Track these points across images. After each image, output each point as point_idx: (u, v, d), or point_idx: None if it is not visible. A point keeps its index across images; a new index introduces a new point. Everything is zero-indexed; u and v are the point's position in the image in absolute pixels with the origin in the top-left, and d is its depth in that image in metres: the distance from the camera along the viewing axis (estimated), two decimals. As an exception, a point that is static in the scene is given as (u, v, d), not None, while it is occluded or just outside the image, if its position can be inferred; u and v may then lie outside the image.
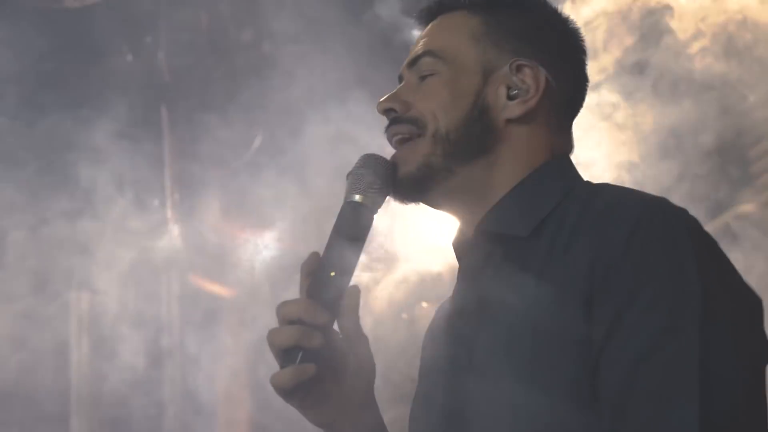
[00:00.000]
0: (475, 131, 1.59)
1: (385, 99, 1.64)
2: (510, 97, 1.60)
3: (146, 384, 4.17)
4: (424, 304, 3.84)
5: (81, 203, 3.72)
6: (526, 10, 1.66)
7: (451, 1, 1.68)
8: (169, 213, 4.10)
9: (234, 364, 4.50)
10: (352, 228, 1.57)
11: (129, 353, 4.05)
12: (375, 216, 1.59)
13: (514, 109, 1.59)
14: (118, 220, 3.80)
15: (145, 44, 3.85)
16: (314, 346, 1.49)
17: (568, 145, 1.66)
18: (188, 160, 4.07)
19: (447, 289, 3.65)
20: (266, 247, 4.01)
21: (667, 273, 1.39)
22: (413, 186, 1.60)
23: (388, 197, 1.60)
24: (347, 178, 1.59)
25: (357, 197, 1.57)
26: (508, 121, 1.60)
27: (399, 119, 1.62)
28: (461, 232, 1.66)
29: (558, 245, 1.48)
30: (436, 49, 1.64)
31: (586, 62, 1.69)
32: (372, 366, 1.60)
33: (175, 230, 4.11)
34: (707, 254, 1.42)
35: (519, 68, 1.61)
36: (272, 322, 1.52)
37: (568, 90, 1.65)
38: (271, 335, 1.51)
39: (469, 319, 1.57)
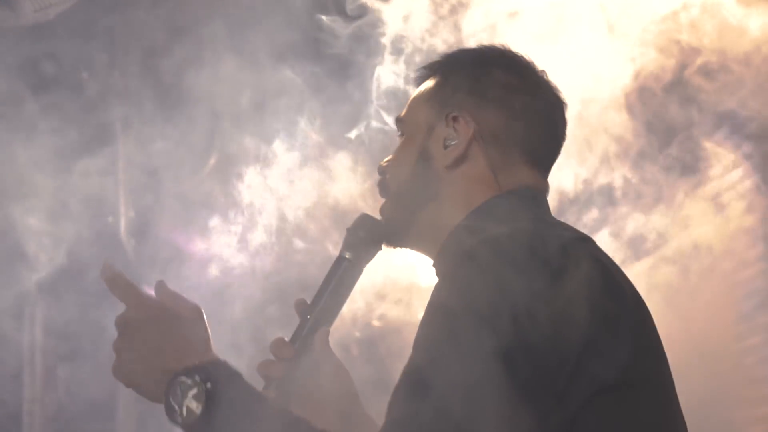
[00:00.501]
0: (420, 182, 1.83)
1: (382, 162, 1.92)
2: (445, 147, 1.81)
3: (101, 409, 4.16)
4: (376, 323, 3.85)
5: (30, 219, 3.72)
6: (473, 65, 1.87)
7: (426, 70, 1.93)
8: (123, 228, 4.08)
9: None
10: (338, 280, 1.88)
11: (83, 372, 4.04)
12: (365, 267, 1.90)
13: (447, 157, 1.81)
14: (72, 235, 3.80)
15: (101, 61, 3.84)
16: (276, 376, 1.82)
17: (525, 180, 1.82)
18: (144, 176, 4.06)
19: (400, 309, 3.65)
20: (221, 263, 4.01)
21: (438, 302, 1.56)
22: (392, 238, 1.89)
23: (379, 250, 1.90)
24: (345, 233, 1.90)
25: (347, 254, 1.88)
26: (446, 168, 1.81)
27: (380, 180, 1.91)
28: None
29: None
30: (402, 115, 1.92)
31: (551, 102, 1.86)
32: (346, 385, 1.90)
33: (130, 246, 4.10)
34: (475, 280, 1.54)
35: (454, 119, 1.82)
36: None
37: (518, 130, 1.82)
38: (258, 366, 1.84)
39: None
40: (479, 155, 1.80)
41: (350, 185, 3.72)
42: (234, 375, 1.60)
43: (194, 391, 1.55)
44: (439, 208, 1.81)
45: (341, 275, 1.89)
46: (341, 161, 3.71)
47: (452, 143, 1.80)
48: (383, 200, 1.91)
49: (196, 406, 1.55)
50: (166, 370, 1.58)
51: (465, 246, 1.60)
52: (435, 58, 1.94)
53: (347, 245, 1.89)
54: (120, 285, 1.63)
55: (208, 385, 1.55)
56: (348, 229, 1.91)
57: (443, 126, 1.82)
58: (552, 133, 1.87)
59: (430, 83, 1.89)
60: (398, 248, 1.90)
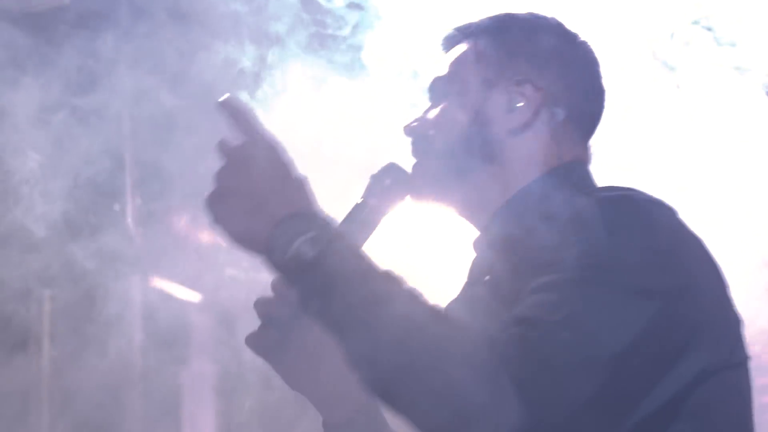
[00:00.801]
0: (476, 144, 1.76)
1: (408, 123, 1.85)
2: (509, 111, 1.76)
3: (111, 391, 4.16)
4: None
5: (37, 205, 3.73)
6: (528, 30, 1.83)
7: (460, 32, 1.88)
8: (130, 217, 4.09)
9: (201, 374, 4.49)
10: (357, 225, 1.77)
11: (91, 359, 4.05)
12: (384, 217, 1.81)
13: (512, 122, 1.76)
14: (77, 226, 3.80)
15: (107, 48, 3.84)
16: (281, 317, 1.74)
17: (580, 153, 1.82)
18: (151, 165, 4.06)
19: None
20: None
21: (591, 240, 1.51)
22: (427, 195, 1.81)
23: (401, 201, 1.82)
24: (369, 180, 1.81)
25: (370, 200, 1.79)
26: (509, 133, 1.76)
27: (417, 139, 1.83)
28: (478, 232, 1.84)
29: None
30: (443, 75, 1.84)
31: (599, 73, 1.85)
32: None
33: (137, 234, 4.11)
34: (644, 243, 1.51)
35: (517, 83, 1.77)
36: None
37: (575, 101, 1.79)
38: (255, 303, 1.77)
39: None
40: (543, 123, 1.77)
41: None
42: (344, 234, 1.56)
43: (310, 235, 1.49)
44: (496, 172, 1.76)
45: (362, 219, 1.79)
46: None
47: (518, 108, 1.76)
48: (417, 159, 1.83)
49: (309, 250, 1.48)
50: (276, 208, 1.52)
51: (583, 205, 1.56)
52: (470, 20, 1.89)
53: (371, 192, 1.81)
54: (242, 114, 1.57)
55: (329, 233, 1.49)
56: (373, 176, 1.82)
57: (504, 89, 1.78)
58: (599, 105, 1.86)
59: (477, 44, 1.83)
60: (425, 203, 1.83)
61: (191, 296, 4.48)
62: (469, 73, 1.81)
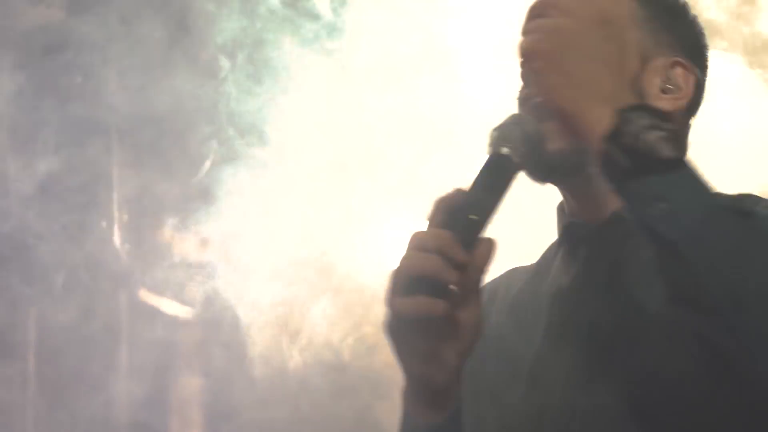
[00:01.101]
0: None
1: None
2: (663, 91, 1.60)
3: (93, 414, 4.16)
4: (368, 329, 3.81)
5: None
6: (679, 12, 1.69)
7: None
8: (117, 234, 4.09)
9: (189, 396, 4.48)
10: (497, 179, 1.48)
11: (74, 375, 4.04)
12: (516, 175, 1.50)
13: (666, 104, 1.58)
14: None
15: (96, 66, 3.85)
16: (450, 282, 1.38)
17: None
18: (138, 181, 4.07)
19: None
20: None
21: None
22: (559, 166, 1.57)
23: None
24: (494, 132, 1.51)
25: (506, 150, 1.48)
26: None
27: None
28: (575, 216, 1.65)
29: None
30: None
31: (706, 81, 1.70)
32: (477, 331, 1.46)
33: (123, 249, 4.11)
34: None
35: (673, 64, 1.61)
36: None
37: (700, 100, 1.67)
38: (409, 259, 1.38)
39: (592, 298, 1.58)
40: (685, 115, 1.64)
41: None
42: None
43: (664, 134, 1.31)
44: None
45: (504, 174, 1.49)
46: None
47: (671, 90, 1.61)
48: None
49: (667, 148, 1.31)
50: (623, 91, 1.36)
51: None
52: None
53: (505, 140, 1.50)
54: None
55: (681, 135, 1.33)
56: (498, 127, 1.51)
57: (660, 65, 1.61)
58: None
59: (628, 2, 1.63)
60: (546, 181, 1.62)
61: (181, 311, 4.47)
62: (625, 33, 1.56)
